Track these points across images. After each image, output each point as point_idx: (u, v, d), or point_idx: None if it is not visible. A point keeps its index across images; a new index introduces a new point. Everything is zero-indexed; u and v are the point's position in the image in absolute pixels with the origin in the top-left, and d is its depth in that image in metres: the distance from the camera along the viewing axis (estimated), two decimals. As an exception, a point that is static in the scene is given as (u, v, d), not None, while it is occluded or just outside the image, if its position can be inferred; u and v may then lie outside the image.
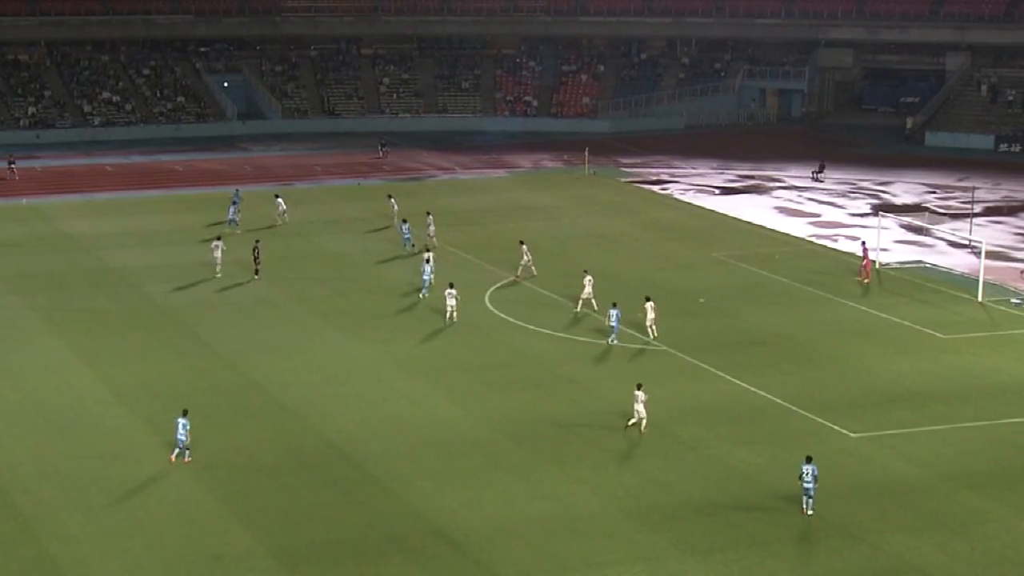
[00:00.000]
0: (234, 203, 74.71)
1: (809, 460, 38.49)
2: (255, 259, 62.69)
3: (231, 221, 72.81)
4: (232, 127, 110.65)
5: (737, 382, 49.28)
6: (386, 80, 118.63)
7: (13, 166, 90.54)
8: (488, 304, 59.07)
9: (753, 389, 48.43)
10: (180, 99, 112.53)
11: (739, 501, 39.10)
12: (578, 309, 57.50)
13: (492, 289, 61.22)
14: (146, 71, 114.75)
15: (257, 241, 64.37)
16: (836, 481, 39.89)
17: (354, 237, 72.11)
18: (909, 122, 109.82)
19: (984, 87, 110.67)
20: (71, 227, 74.73)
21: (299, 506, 38.67)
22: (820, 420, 45.32)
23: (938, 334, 55.61)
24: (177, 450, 41.52)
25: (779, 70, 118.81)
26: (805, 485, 38.29)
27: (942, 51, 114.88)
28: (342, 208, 79.55)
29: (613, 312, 53.33)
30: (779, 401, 47.38)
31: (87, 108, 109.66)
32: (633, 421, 44.17)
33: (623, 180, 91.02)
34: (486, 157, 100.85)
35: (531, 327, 55.89)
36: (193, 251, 68.66)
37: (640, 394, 44.05)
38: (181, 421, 41.41)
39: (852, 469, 41.21)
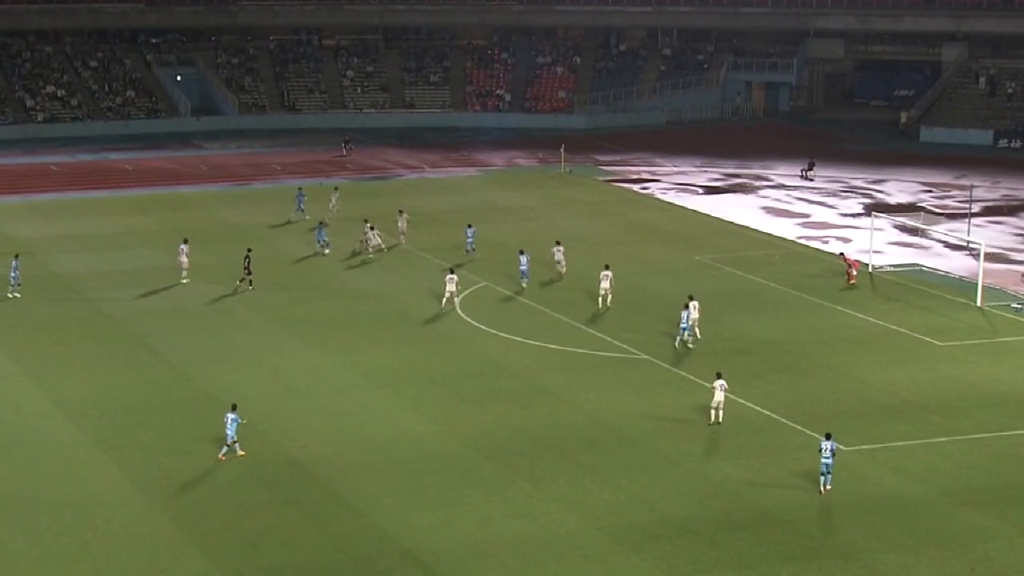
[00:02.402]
0: (300, 203, 75.90)
1: (828, 437, 40.27)
2: (246, 268, 61.96)
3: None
4: (185, 123, 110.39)
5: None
6: (349, 73, 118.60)
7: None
8: (460, 311, 59.08)
9: (740, 400, 48.50)
10: (129, 93, 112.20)
11: (725, 519, 39.20)
12: (601, 306, 58.60)
13: (464, 294, 61.21)
14: (93, 63, 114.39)
15: (249, 250, 63.29)
16: (828, 497, 40.04)
17: (316, 240, 71.81)
18: (903, 117, 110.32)
19: (982, 79, 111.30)
20: (12, 231, 74.39)
21: (258, 527, 38.58)
22: (810, 433, 45.41)
23: (935, 341, 55.86)
24: (236, 446, 42.65)
25: (765, 62, 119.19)
26: (824, 460, 39.87)
27: (938, 41, 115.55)
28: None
29: (684, 313, 54.27)
30: (767, 413, 47.51)
31: (29, 103, 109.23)
32: (713, 420, 45.77)
33: (601, 179, 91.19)
34: (456, 155, 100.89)
35: (504, 335, 55.92)
36: (144, 255, 68.49)
37: (723, 382, 45.69)
38: (231, 416, 42.56)
39: (844, 485, 41.32)
